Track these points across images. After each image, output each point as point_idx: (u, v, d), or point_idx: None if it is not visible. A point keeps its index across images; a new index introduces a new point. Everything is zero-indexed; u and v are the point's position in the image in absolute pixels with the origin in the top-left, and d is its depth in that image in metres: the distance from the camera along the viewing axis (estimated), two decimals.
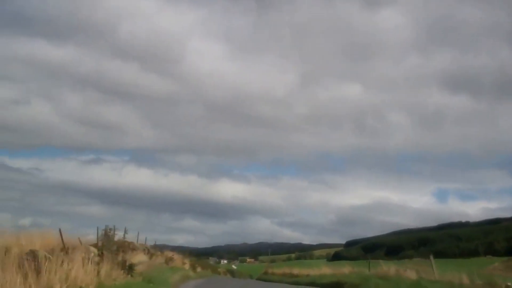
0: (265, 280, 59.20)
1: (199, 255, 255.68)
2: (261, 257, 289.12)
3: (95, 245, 16.40)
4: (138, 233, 29.29)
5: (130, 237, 25.70)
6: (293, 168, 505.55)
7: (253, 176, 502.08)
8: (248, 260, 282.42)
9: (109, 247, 16.53)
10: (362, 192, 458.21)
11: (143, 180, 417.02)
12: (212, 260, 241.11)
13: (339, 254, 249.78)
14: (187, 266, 46.46)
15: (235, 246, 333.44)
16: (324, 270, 49.69)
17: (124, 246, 18.50)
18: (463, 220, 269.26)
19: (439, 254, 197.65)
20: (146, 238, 40.08)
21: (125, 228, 19.94)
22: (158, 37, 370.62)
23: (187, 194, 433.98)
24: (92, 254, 14.49)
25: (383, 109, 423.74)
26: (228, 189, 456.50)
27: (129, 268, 17.02)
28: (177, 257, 44.89)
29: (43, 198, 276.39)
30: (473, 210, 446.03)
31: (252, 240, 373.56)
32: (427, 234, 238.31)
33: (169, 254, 41.14)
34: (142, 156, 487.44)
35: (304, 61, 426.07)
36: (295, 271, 59.75)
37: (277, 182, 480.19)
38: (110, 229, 17.72)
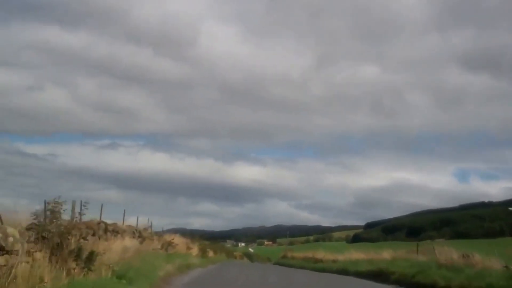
0: (284, 265, 52.93)
1: (216, 238, 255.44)
2: (279, 240, 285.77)
3: (29, 227, 10.94)
4: (125, 212, 22.50)
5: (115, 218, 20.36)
6: (310, 151, 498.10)
7: (270, 159, 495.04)
8: (266, 243, 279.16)
9: (51, 228, 11.13)
10: (381, 173, 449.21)
11: (159, 165, 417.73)
12: (229, 243, 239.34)
13: (358, 236, 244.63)
14: (194, 252, 41.47)
15: (252, 229, 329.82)
16: (356, 254, 41.37)
17: (75, 228, 12.89)
18: (486, 200, 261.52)
19: (461, 235, 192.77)
20: (137, 219, 33.44)
21: (82, 202, 14.24)
22: (171, 20, 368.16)
23: (203, 178, 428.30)
24: (12, 239, 9.04)
25: (401, 89, 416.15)
26: (245, 172, 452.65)
27: (87, 260, 11.69)
28: (180, 241, 39.76)
29: (59, 184, 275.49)
30: (495, 190, 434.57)
31: (270, 223, 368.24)
32: (449, 214, 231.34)
33: (169, 237, 35.60)
34: (157, 141, 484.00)
35: (320, 42, 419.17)
36: (319, 254, 49.92)
37: (294, 164, 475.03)
38: (57, 202, 12.16)
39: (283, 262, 58.18)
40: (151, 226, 33.50)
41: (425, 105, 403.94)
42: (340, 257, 43.03)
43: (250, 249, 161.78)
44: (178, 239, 38.82)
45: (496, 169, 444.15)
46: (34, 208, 12.02)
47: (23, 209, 11.99)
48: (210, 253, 50.37)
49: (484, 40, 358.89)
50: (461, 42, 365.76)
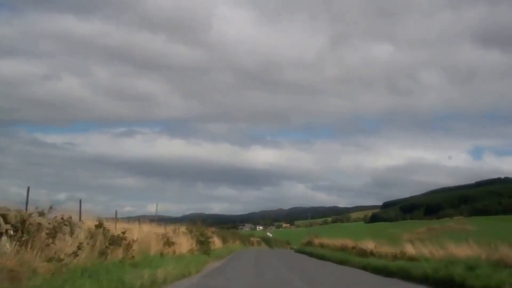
0: (313, 255, 41.60)
1: (234, 222, 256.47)
2: (297, 222, 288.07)
3: None
4: (81, 202, 17.39)
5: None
6: (325, 132, 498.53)
7: (286, 141, 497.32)
8: (284, 225, 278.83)
9: None
10: (396, 152, 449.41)
11: (176, 150, 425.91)
12: (247, 227, 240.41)
13: (376, 215, 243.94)
14: (186, 247, 29.48)
15: (270, 212, 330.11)
16: (416, 248, 25.21)
17: None
18: (502, 176, 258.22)
19: (480, 212, 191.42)
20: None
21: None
22: (185, 6, 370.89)
23: (220, 163, 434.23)
24: None
25: (415, 68, 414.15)
26: (261, 156, 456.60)
27: None
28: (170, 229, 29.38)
29: (78, 172, 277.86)
30: (510, 166, 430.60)
31: (287, 205, 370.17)
32: (466, 191, 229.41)
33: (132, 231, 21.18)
34: (173, 127, 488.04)
35: (333, 22, 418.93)
36: (364, 244, 32.83)
37: (310, 146, 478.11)
38: None
39: (310, 251, 45.27)
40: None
41: (439, 83, 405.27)
42: (393, 250, 27.44)
43: (268, 233, 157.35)
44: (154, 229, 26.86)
45: (511, 145, 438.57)
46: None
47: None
48: (218, 243, 45.39)
49: (497, 16, 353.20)
50: (474, 19, 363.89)
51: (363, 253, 31.08)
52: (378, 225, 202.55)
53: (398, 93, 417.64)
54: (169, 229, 29.60)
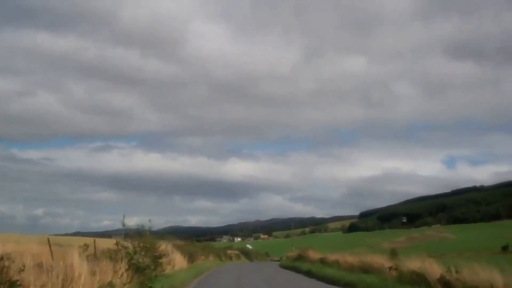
0: (321, 279, 26.27)
1: (212, 234, 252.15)
2: (275, 233, 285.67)
3: None
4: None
5: None
6: (301, 144, 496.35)
7: (262, 154, 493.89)
8: (262, 236, 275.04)
9: None
10: (371, 163, 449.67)
11: (153, 164, 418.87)
12: (225, 239, 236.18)
13: (354, 225, 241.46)
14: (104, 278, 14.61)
15: (248, 223, 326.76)
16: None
17: None
18: (477, 184, 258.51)
19: (458, 220, 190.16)
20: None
21: None
22: (159, 21, 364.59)
23: (197, 176, 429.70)
24: None
25: (388, 79, 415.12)
26: (238, 168, 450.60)
27: None
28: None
29: (55, 188, 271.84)
30: (483, 175, 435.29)
31: (265, 217, 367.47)
32: (443, 200, 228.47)
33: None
34: (150, 141, 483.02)
35: (307, 36, 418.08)
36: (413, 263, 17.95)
37: (287, 158, 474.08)
38: None
39: (308, 269, 32.39)
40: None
41: (413, 94, 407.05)
42: (412, 264, 17.75)
43: (248, 245, 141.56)
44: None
45: (484, 155, 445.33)
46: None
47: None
48: (179, 263, 31.52)
49: (467, 28, 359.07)
50: (445, 31, 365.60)
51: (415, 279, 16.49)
52: (357, 235, 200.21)
53: (372, 104, 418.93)
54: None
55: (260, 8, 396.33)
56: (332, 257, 33.13)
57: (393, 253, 33.51)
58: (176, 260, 30.40)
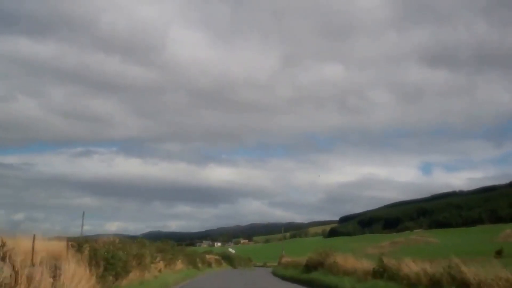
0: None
1: (192, 239, 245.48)
2: (255, 238, 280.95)
3: None
4: None
5: None
6: (280, 150, 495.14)
7: (241, 159, 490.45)
8: (242, 241, 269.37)
9: None
10: (349, 169, 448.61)
11: (133, 170, 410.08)
12: (205, 244, 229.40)
13: (335, 230, 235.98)
14: None
15: (228, 228, 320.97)
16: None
17: None
18: (455, 190, 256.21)
19: (440, 225, 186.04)
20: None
21: None
22: (138, 27, 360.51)
23: (177, 181, 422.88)
24: None
25: (364, 87, 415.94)
26: (217, 174, 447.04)
27: None
28: None
29: (35, 193, 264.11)
30: (459, 181, 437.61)
31: (245, 222, 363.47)
32: (423, 205, 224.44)
33: None
34: (130, 146, 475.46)
35: (284, 43, 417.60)
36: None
37: (265, 164, 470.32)
38: None
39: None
40: None
41: (388, 101, 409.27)
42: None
43: (230, 249, 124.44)
44: None
45: (459, 161, 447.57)
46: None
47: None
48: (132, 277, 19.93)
49: (442, 36, 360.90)
50: (420, 40, 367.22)
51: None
52: (338, 240, 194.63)
53: (349, 111, 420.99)
54: None
55: (239, 15, 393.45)
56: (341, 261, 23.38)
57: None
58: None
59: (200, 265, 44.81)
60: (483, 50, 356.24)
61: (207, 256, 58.91)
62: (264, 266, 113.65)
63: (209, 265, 50.74)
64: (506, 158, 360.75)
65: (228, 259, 76.65)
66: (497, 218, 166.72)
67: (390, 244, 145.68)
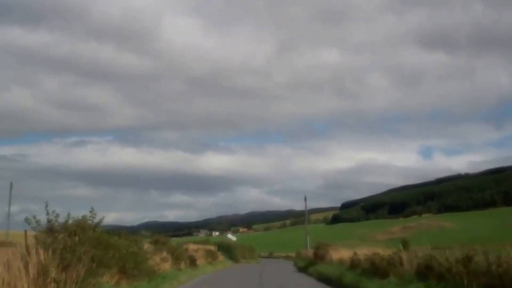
0: None
1: (190, 228, 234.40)
2: (254, 226, 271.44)
3: None
4: None
5: None
6: (277, 137, 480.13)
7: (239, 147, 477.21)
8: (241, 230, 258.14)
9: None
10: (348, 155, 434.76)
11: (129, 159, 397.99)
12: (203, 233, 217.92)
13: (338, 216, 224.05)
14: None
15: (226, 217, 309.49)
16: None
17: None
18: (460, 172, 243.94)
19: (450, 208, 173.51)
20: None
21: None
22: (132, 15, 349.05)
23: (174, 170, 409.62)
24: None
25: (362, 71, 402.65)
26: (215, 162, 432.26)
27: None
28: None
29: (30, 184, 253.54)
30: (458, 165, 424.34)
31: (243, 210, 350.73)
32: (430, 188, 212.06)
33: None
34: (125, 135, 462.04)
35: (280, 28, 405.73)
36: None
37: (263, 151, 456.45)
38: None
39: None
40: None
41: (386, 85, 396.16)
42: None
43: (230, 236, 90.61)
44: None
45: (459, 144, 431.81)
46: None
47: None
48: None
49: (438, 19, 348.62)
50: (416, 22, 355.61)
51: None
52: (342, 226, 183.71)
53: (346, 96, 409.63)
54: None
55: (233, 1, 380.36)
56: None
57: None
58: None
59: (189, 264, 28.61)
60: (481, 32, 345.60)
61: (190, 247, 35.41)
62: (271, 256, 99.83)
63: (193, 262, 29.31)
64: (506, 141, 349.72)
65: (227, 250, 54.91)
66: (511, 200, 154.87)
67: (401, 229, 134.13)
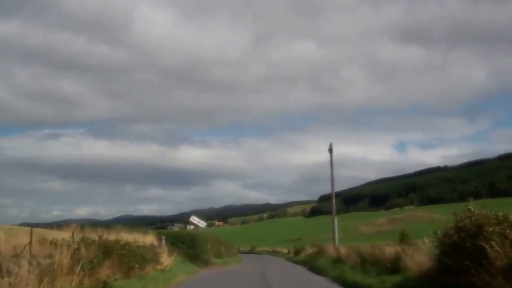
0: None
1: (164, 222, 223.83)
2: (230, 220, 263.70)
3: None
4: None
5: None
6: (253, 130, 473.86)
7: (214, 140, 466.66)
8: (217, 223, 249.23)
9: None
10: (324, 148, 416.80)
11: (103, 152, 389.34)
12: (177, 227, 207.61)
13: (316, 209, 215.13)
14: None
15: (202, 211, 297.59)
16: None
17: None
18: (441, 165, 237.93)
19: (434, 200, 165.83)
20: None
21: None
22: (106, 6, 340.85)
23: (148, 164, 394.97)
24: None
25: (338, 65, 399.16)
26: (190, 155, 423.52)
27: None
28: None
29: (1, 178, 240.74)
30: (434, 158, 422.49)
31: (219, 204, 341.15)
32: (411, 180, 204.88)
33: None
34: (99, 128, 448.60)
35: (256, 21, 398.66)
36: None
37: (239, 145, 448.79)
38: None
39: None
40: None
41: (362, 79, 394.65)
42: None
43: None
44: None
45: (433, 138, 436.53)
46: None
47: None
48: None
49: (414, 13, 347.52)
50: (392, 16, 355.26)
51: None
52: (321, 219, 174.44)
53: (323, 90, 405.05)
54: None
55: None
56: None
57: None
58: None
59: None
60: (456, 27, 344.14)
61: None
62: (253, 251, 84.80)
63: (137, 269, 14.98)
64: (480, 134, 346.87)
65: (188, 244, 29.80)
66: (497, 192, 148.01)
67: (387, 221, 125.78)
